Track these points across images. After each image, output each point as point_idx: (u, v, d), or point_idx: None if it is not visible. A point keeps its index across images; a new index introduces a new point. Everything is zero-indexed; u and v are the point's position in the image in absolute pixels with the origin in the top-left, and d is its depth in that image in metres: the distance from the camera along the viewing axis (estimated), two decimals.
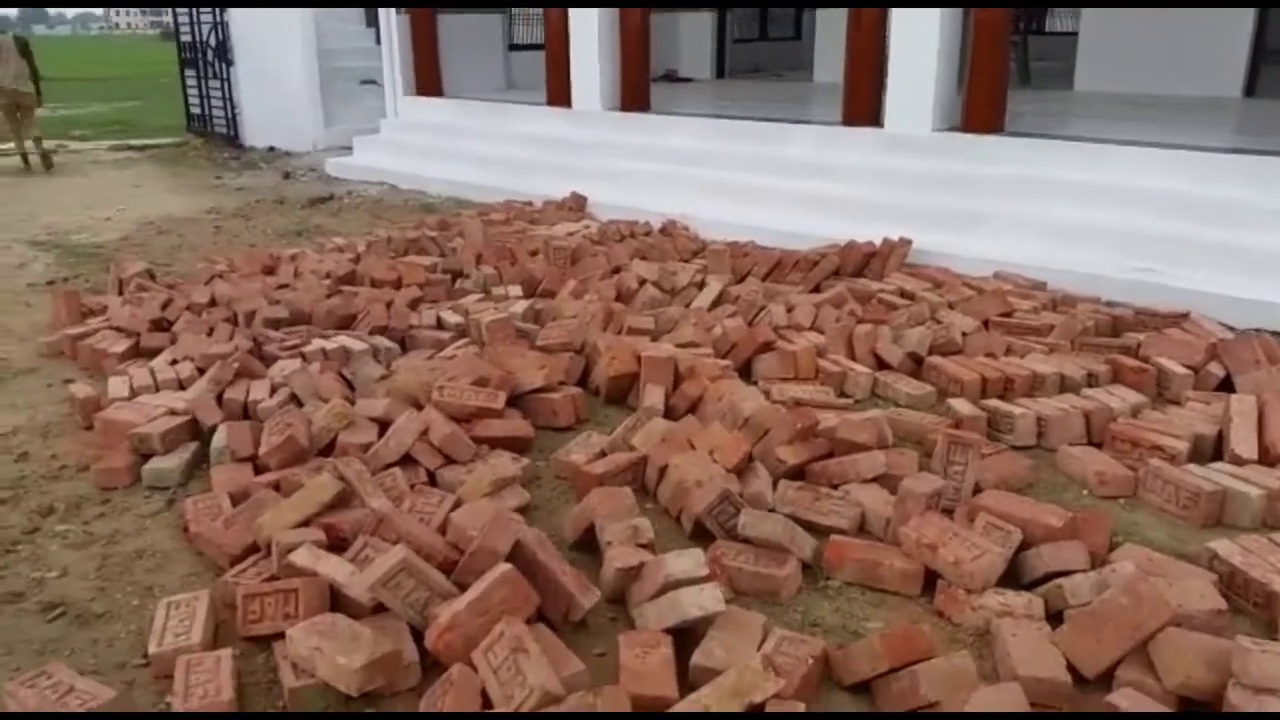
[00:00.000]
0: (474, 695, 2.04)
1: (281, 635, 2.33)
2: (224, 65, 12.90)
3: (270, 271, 5.60)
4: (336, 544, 2.64)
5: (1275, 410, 3.19)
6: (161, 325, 4.60)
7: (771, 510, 2.83)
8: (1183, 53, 8.70)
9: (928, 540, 2.54)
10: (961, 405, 3.56)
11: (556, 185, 7.89)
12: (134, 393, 3.84)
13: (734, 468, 2.96)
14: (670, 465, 2.97)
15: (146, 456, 3.36)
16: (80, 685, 2.19)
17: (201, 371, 4.00)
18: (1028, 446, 3.40)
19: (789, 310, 4.57)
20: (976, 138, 6.31)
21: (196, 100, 13.76)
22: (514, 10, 11.80)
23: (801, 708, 2.00)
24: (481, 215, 7.32)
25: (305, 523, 2.70)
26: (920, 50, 6.34)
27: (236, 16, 12.59)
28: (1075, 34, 10.26)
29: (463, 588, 2.39)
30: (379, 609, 2.36)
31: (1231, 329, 4.43)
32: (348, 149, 11.32)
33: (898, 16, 6.45)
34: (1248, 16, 8.55)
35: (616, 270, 5.44)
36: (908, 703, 2.02)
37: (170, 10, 14.80)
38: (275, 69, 12.10)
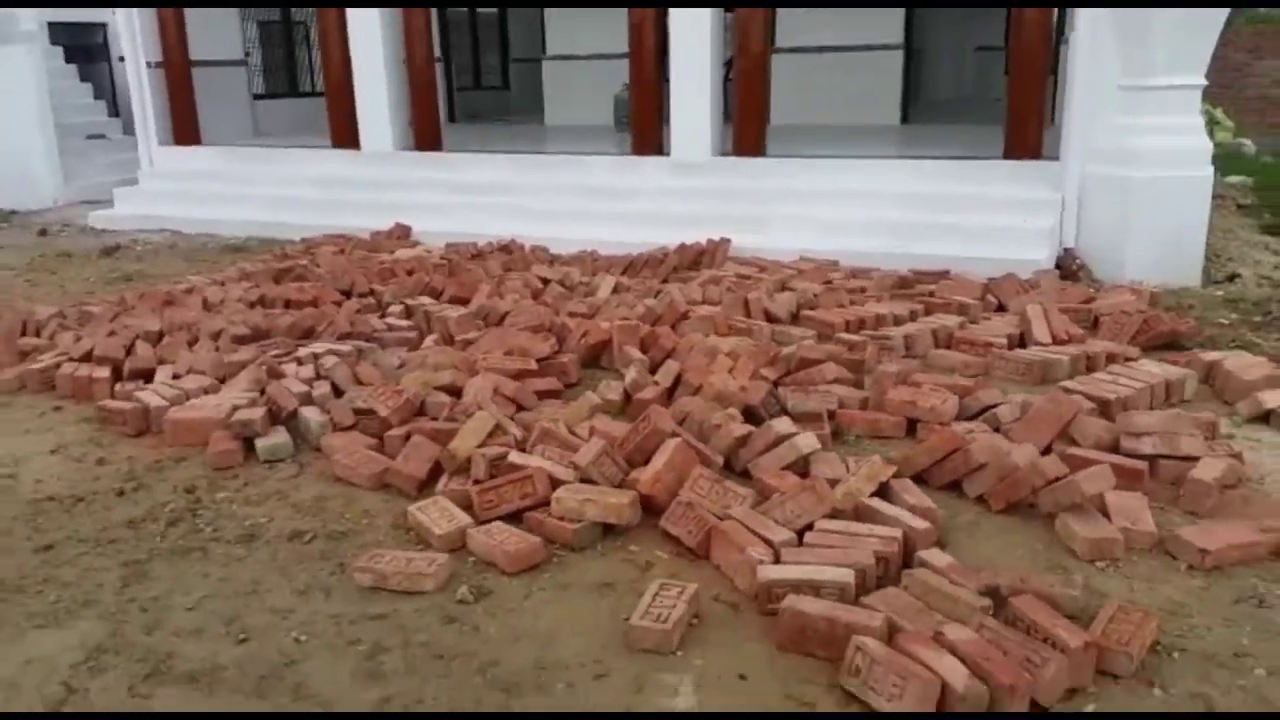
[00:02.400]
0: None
1: (518, 515, 3.16)
2: None
3: (170, 304, 5.85)
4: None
5: (1052, 314, 4.90)
6: (132, 350, 4.86)
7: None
8: (854, 89, 11.01)
9: (908, 398, 3.85)
10: (853, 337, 4.94)
11: (364, 220, 8.48)
12: (170, 402, 4.23)
13: (749, 380, 4.10)
14: (705, 383, 4.05)
15: (242, 439, 3.87)
16: (415, 554, 2.91)
17: (222, 380, 4.47)
18: (903, 356, 4.84)
19: (682, 292, 5.75)
20: (747, 160, 7.89)
21: None
22: (253, 63, 11.98)
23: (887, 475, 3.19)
24: (311, 248, 7.80)
25: (480, 446, 3.49)
26: (695, 94, 7.84)
27: None
28: None
29: (635, 463, 3.35)
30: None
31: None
32: (92, 203, 10.95)
33: (673, 67, 7.89)
34: (897, 62, 11.06)
35: (501, 279, 6.32)
36: (962, 469, 3.28)
37: None
38: None
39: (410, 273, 6.61)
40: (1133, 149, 6.33)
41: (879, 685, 2.19)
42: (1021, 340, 4.86)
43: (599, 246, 7.36)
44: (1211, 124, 11.07)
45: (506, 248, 7.52)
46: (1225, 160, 10.57)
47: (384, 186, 8.96)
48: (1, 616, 2.74)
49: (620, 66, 11.15)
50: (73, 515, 3.39)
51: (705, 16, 7.66)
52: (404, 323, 5.41)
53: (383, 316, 5.62)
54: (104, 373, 4.63)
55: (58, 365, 4.77)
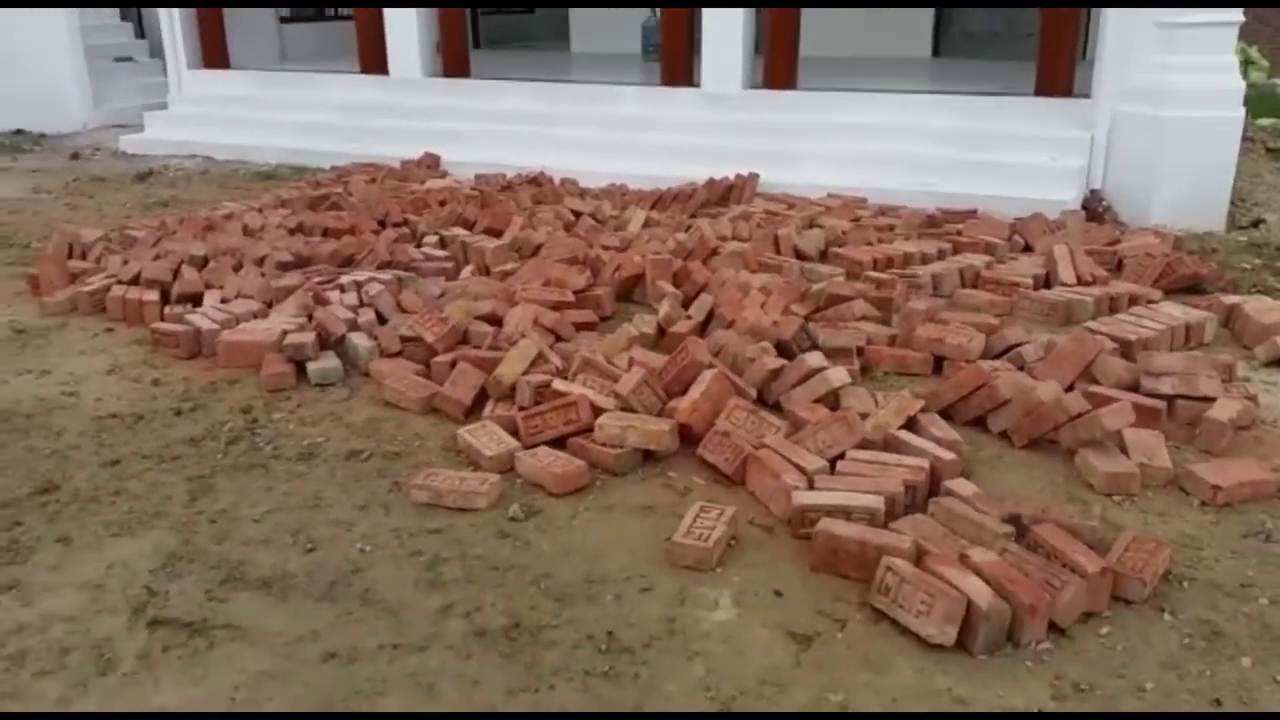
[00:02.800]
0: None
1: (562, 440, 3.32)
2: None
3: (210, 229, 5.98)
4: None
5: (1078, 256, 4.97)
6: (179, 274, 5.00)
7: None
8: (886, 21, 10.88)
9: (935, 336, 3.97)
10: (880, 275, 5.03)
11: (392, 148, 8.54)
12: (220, 325, 4.38)
13: (781, 316, 4.22)
14: (739, 318, 4.18)
15: (294, 363, 4.03)
16: (468, 474, 3.08)
17: (269, 305, 4.62)
18: (930, 295, 4.94)
19: (712, 227, 5.84)
20: (778, 93, 7.89)
21: None
22: None
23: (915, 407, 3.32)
24: (342, 177, 7.89)
25: (524, 373, 3.64)
26: (728, 25, 7.80)
27: None
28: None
29: (673, 393, 3.50)
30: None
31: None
32: (121, 127, 11.03)
33: None
34: None
35: (532, 211, 6.41)
36: (987, 405, 3.41)
37: None
38: (18, 48, 11.35)
39: (443, 203, 6.70)
40: (1165, 88, 6.31)
41: (907, 602, 2.35)
42: (1047, 281, 4.95)
43: (627, 179, 7.42)
44: (1245, 64, 10.94)
45: (535, 180, 7.58)
46: (1257, 101, 10.44)
47: (412, 114, 8.99)
48: (80, 524, 2.93)
49: None
50: (135, 432, 3.57)
51: None
52: (440, 253, 5.52)
53: (419, 246, 5.73)
54: (153, 296, 4.78)
55: (107, 288, 4.92)
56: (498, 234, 5.94)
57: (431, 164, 8.36)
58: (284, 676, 2.25)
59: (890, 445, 3.13)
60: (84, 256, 5.55)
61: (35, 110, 11.47)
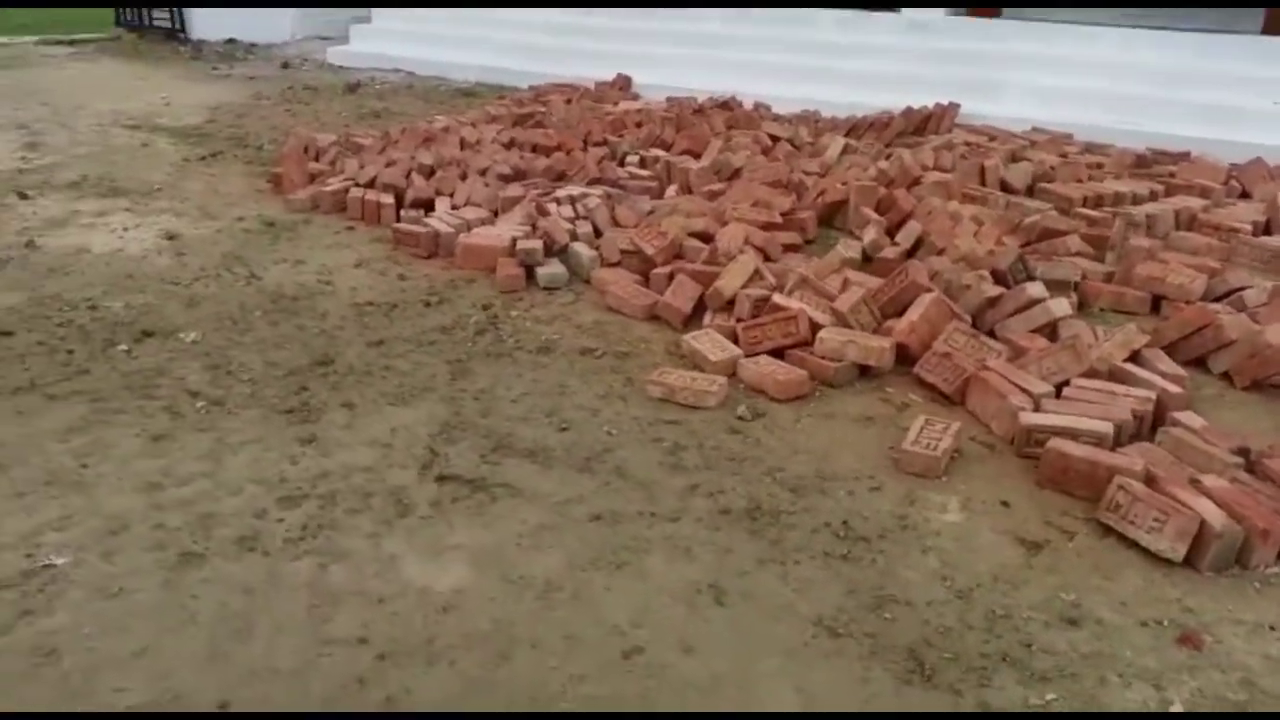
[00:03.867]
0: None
1: (779, 351, 3.50)
2: None
3: (429, 140, 6.36)
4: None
5: None
6: (410, 180, 5.39)
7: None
8: None
9: (1156, 274, 3.95)
10: (1091, 212, 4.96)
11: (583, 69, 8.78)
12: (454, 229, 4.73)
13: (994, 246, 4.26)
14: (950, 245, 4.24)
15: (525, 266, 4.34)
16: (698, 375, 3.31)
17: (494, 213, 4.95)
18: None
19: (914, 156, 5.84)
20: (983, 21, 7.70)
21: None
22: None
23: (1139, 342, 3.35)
24: (540, 96, 8.17)
25: (743, 287, 3.83)
26: None
27: None
28: None
29: (888, 313, 3.63)
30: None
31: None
32: (326, 39, 11.65)
33: None
34: None
35: (728, 135, 6.53)
36: (1210, 345, 3.41)
37: None
38: None
39: (639, 125, 6.90)
40: None
41: (1139, 519, 2.46)
42: (1267, 228, 4.78)
43: (819, 106, 7.44)
44: None
45: (726, 104, 7.68)
46: None
47: (605, 36, 9.19)
48: (359, 393, 3.32)
49: None
50: (391, 319, 3.95)
51: None
52: (643, 172, 5.73)
53: (621, 165, 5.96)
54: (389, 199, 5.19)
55: (346, 189, 5.36)
56: (695, 155, 6.09)
57: (623, 86, 8.56)
58: (559, 529, 2.55)
59: (1115, 376, 3.19)
60: (318, 158, 6.02)
61: (246, 20, 12.24)
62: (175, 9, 12.80)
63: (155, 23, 13.14)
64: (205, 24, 12.70)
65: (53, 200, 5.54)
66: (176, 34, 12.86)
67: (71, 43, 12.78)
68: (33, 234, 4.90)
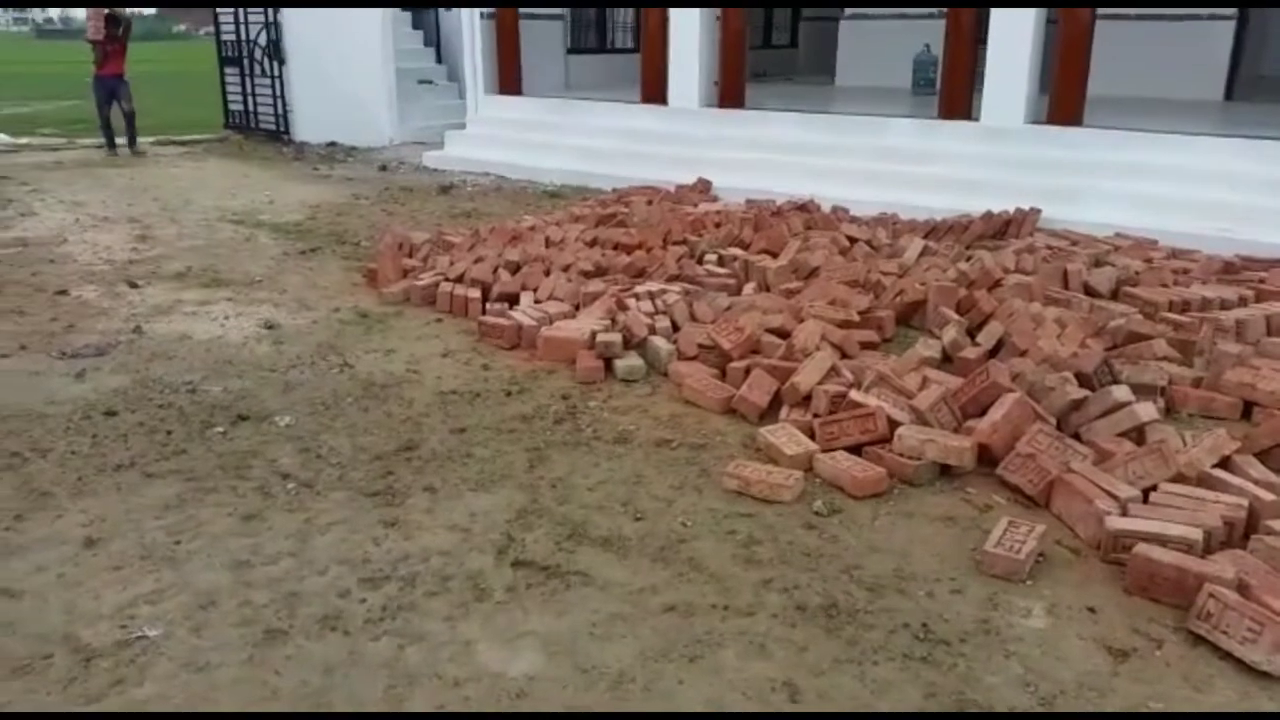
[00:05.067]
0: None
1: (857, 448, 3.49)
2: (275, 64, 13.54)
3: (516, 239, 6.59)
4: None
5: None
6: (496, 276, 5.58)
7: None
8: (1175, 61, 10.36)
9: (1247, 380, 3.86)
10: (1178, 317, 4.89)
11: (665, 173, 9.02)
12: (537, 323, 4.86)
13: (1078, 348, 4.21)
14: (1033, 347, 4.21)
15: (604, 359, 4.43)
16: (773, 468, 3.31)
17: (576, 308, 5.08)
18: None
19: (994, 259, 5.85)
20: (1063, 129, 7.74)
21: (238, 98, 14.31)
22: (570, 15, 12.80)
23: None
24: (623, 197, 8.42)
25: (820, 382, 3.85)
26: (1014, 57, 7.75)
27: (289, 17, 13.27)
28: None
29: (968, 413, 3.60)
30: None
31: None
32: (420, 144, 12.21)
33: (994, 28, 7.83)
34: (1228, 33, 10.30)
35: (806, 235, 6.63)
36: None
37: (36, 11, 15.22)
38: (336, 69, 12.84)
39: (718, 225, 7.04)
40: None
41: (1232, 629, 2.37)
42: None
43: (897, 210, 7.51)
44: None
45: (804, 206, 7.80)
46: None
47: (686, 141, 9.47)
48: (441, 478, 3.40)
49: (920, 27, 11.19)
50: (474, 407, 4.06)
51: None
52: (721, 270, 5.84)
53: (700, 263, 6.08)
54: (476, 293, 5.37)
55: (436, 284, 5.56)
56: (773, 255, 6.19)
57: (703, 188, 8.77)
58: (632, 619, 2.56)
59: (1204, 482, 3.10)
60: (411, 255, 6.28)
61: (348, 126, 12.93)
62: (282, 116, 13.61)
63: (261, 125, 13.98)
64: (308, 128, 13.46)
65: (160, 289, 5.86)
66: (281, 136, 13.66)
67: (183, 143, 13.66)
68: (140, 320, 5.19)
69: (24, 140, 13.88)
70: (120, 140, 12.36)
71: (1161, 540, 2.72)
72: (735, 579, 2.76)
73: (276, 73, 13.58)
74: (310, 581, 2.75)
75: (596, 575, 2.77)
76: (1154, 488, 3.05)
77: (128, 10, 12.84)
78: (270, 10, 13.30)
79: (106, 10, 12.09)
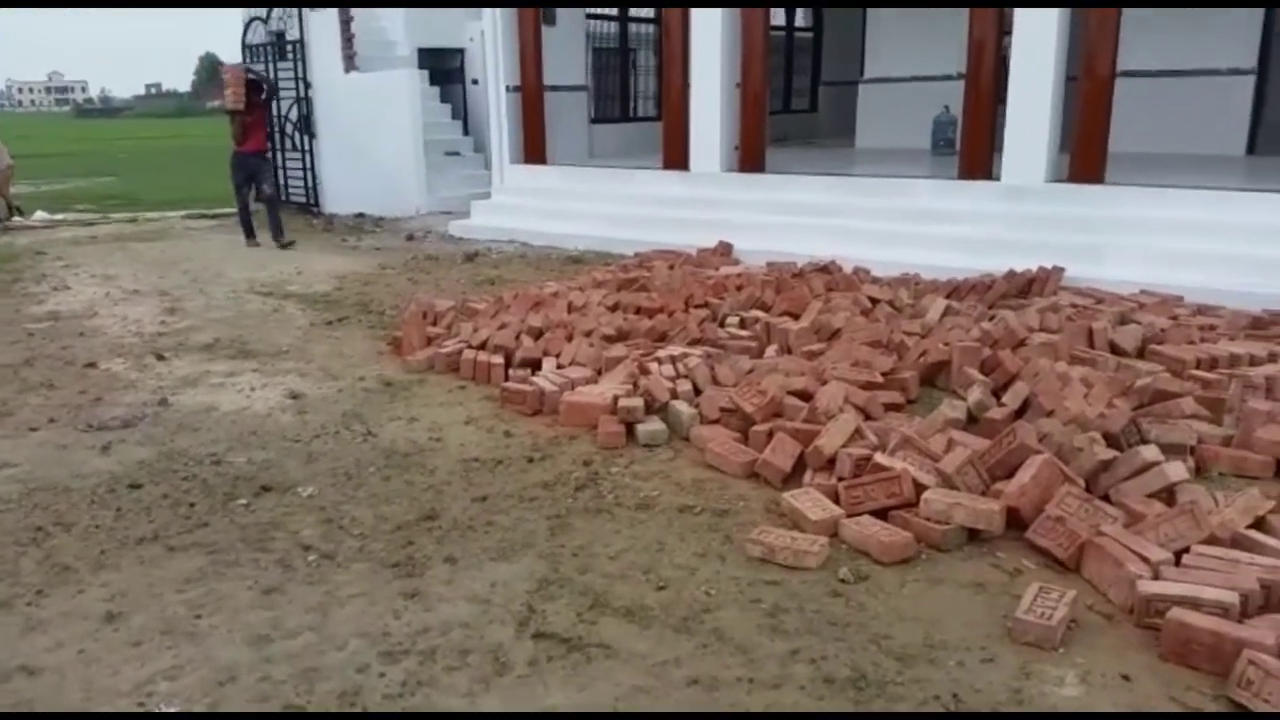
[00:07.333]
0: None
1: (883, 512, 3.44)
2: (306, 138, 13.86)
3: (539, 305, 6.64)
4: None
5: None
6: (520, 342, 5.61)
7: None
8: (1195, 117, 10.37)
9: (1277, 438, 3.78)
10: (1206, 374, 4.82)
11: (687, 237, 9.09)
12: (559, 388, 4.87)
13: (1105, 409, 4.16)
14: (1060, 407, 4.16)
15: (626, 424, 4.42)
16: (798, 535, 3.27)
17: (598, 372, 5.09)
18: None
19: (1018, 318, 5.81)
20: (1084, 187, 7.74)
21: None
22: (593, 86, 13.04)
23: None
24: (644, 262, 8.48)
25: (844, 445, 3.81)
26: (1034, 116, 7.80)
27: (320, 92, 13.62)
28: None
29: (996, 475, 3.54)
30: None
31: None
32: (447, 213, 12.39)
33: (1013, 88, 7.89)
34: (1248, 89, 10.32)
35: (827, 297, 6.63)
36: None
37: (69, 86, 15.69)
38: (365, 142, 13.12)
39: (739, 288, 7.07)
40: None
41: (1274, 698, 2.29)
42: None
43: (919, 270, 7.50)
44: None
45: (825, 268, 7.81)
46: None
47: (707, 206, 9.55)
48: (462, 548, 3.38)
49: (939, 89, 11.29)
50: (496, 474, 4.05)
51: (1050, 35, 7.61)
52: (743, 333, 5.85)
53: (721, 326, 6.09)
54: (499, 359, 5.40)
55: (460, 351, 5.60)
56: (795, 317, 6.19)
57: (724, 252, 8.82)
58: (655, 693, 2.51)
59: (1238, 544, 3.03)
60: (435, 323, 6.33)
61: (377, 197, 13.17)
62: (311, 189, 13.89)
63: (292, 198, 14.25)
64: (337, 200, 13.72)
65: (187, 361, 5.94)
66: (310, 209, 13.92)
67: (213, 216, 13.94)
68: (166, 392, 5.24)
69: (60, 216, 14.23)
70: (260, 228, 10.86)
71: (1196, 604, 2.65)
72: (761, 650, 2.71)
73: (307, 146, 13.90)
74: (330, 656, 2.73)
75: (619, 647, 2.72)
76: (1186, 550, 2.98)
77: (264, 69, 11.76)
78: (302, 86, 13.65)
79: (250, 75, 10.74)
